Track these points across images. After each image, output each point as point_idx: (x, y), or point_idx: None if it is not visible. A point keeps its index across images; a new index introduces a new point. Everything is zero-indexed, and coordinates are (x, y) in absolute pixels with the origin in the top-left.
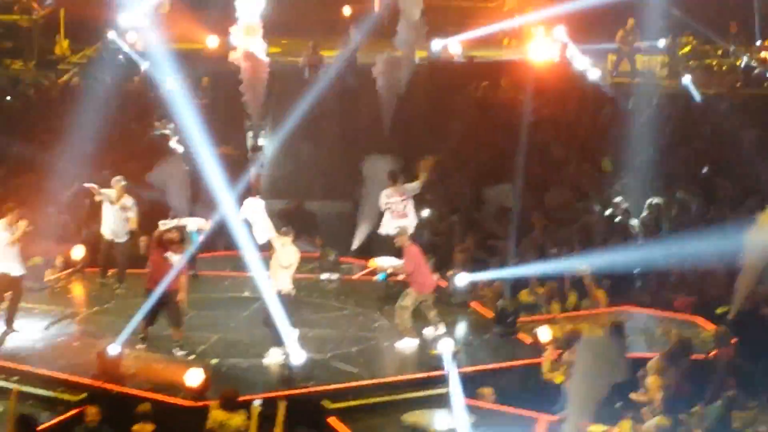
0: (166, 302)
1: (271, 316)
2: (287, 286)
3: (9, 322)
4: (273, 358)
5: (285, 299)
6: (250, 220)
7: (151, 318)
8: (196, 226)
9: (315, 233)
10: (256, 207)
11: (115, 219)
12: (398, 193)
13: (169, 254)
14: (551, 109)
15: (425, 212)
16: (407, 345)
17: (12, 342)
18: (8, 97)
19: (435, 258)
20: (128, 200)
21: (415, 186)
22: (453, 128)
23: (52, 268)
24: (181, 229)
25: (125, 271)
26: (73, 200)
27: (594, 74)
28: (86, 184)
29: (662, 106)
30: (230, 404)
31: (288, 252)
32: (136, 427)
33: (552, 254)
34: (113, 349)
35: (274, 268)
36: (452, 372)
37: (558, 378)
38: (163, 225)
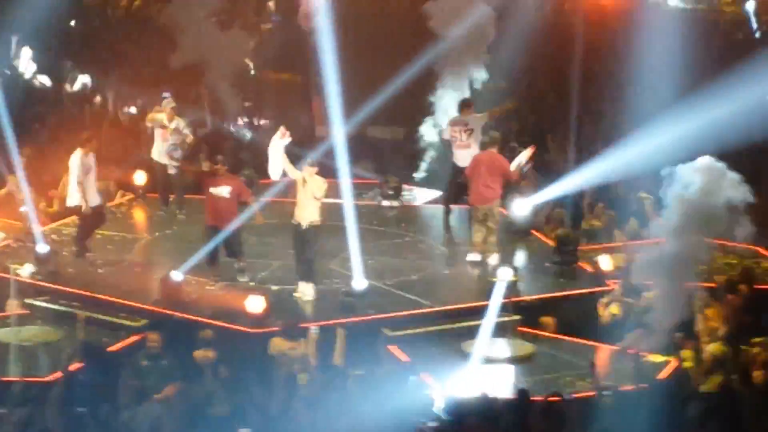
0: (220, 235)
1: (307, 249)
2: (318, 218)
3: (82, 247)
4: (305, 292)
5: (316, 231)
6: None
7: (211, 255)
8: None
9: (376, 159)
10: (276, 144)
11: (167, 142)
12: (461, 124)
13: (213, 189)
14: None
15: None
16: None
17: (74, 267)
18: (72, 22)
19: None
20: (180, 122)
21: (481, 116)
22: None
23: (114, 193)
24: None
25: (184, 196)
26: (133, 124)
27: None
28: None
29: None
30: (291, 332)
31: (318, 183)
32: (197, 352)
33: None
34: (175, 276)
35: (304, 200)
36: (512, 301)
37: (613, 310)
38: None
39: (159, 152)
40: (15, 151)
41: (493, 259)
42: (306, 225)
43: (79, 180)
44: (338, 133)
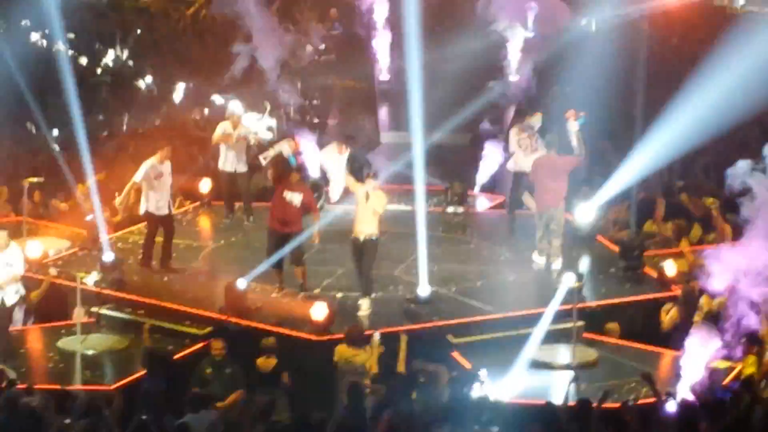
0: (288, 242)
1: (365, 263)
2: (377, 231)
3: (167, 259)
4: (362, 306)
5: (375, 244)
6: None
7: (278, 262)
8: (289, 148)
9: (441, 166)
10: (335, 159)
11: (233, 151)
12: (525, 131)
13: (287, 193)
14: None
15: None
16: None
17: (139, 276)
18: (138, 30)
19: None
20: (244, 130)
21: (536, 119)
22: None
23: (180, 201)
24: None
25: (251, 204)
26: (200, 133)
27: None
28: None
29: None
30: (355, 340)
31: (380, 197)
32: (260, 360)
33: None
34: (240, 283)
35: (365, 214)
36: (577, 307)
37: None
38: (263, 158)
39: (224, 160)
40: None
41: (557, 263)
42: (364, 238)
43: (142, 187)
44: (413, 140)
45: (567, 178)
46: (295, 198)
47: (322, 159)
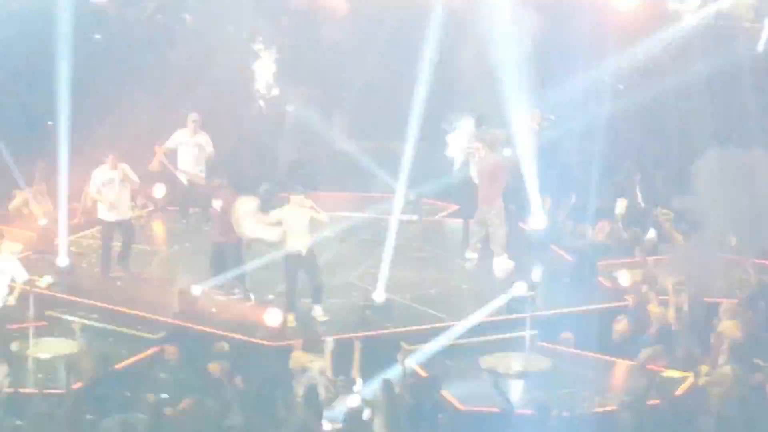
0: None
1: (318, 271)
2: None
3: (124, 263)
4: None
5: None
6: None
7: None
8: None
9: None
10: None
11: (191, 157)
12: (480, 141)
13: (214, 202)
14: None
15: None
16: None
17: (92, 280)
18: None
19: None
20: (203, 137)
21: (494, 133)
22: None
23: (133, 206)
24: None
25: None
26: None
27: None
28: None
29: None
30: (311, 346)
31: (311, 203)
32: (212, 365)
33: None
34: (194, 289)
35: (304, 226)
36: (530, 315)
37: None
38: None
39: (184, 165)
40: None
41: (501, 258)
42: (307, 250)
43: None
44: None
45: (501, 174)
46: (217, 205)
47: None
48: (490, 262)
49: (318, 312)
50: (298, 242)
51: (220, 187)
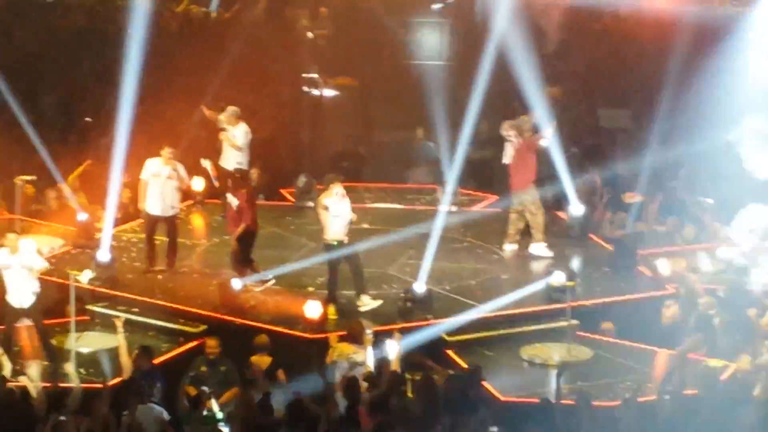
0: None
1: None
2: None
3: (170, 259)
4: (368, 304)
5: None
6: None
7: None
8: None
9: (434, 164)
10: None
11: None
12: (514, 128)
13: (229, 196)
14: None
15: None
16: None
17: (134, 273)
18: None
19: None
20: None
21: (525, 118)
22: (576, 56)
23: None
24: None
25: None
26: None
27: None
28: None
29: None
30: (357, 338)
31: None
32: (254, 358)
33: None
34: (235, 282)
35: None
36: (571, 305)
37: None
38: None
39: (225, 158)
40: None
41: (538, 243)
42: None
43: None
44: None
45: (531, 159)
46: (233, 201)
47: None
48: (528, 252)
49: (365, 300)
50: (341, 231)
51: (239, 181)
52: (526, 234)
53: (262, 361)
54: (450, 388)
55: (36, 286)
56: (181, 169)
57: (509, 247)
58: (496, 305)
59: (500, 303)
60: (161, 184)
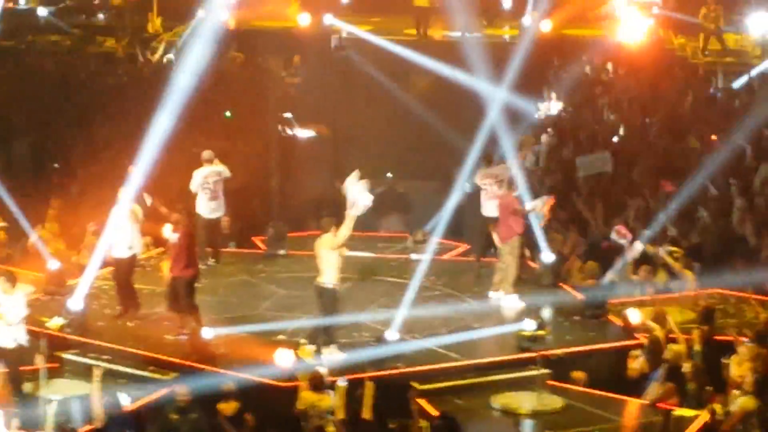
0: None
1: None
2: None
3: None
4: (332, 353)
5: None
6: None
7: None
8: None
9: (406, 213)
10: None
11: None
12: (490, 176)
13: (168, 231)
14: (643, 89)
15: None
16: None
17: (103, 321)
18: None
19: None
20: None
21: (503, 167)
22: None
23: (144, 247)
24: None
25: (220, 249)
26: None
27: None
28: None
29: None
30: (319, 385)
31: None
32: (221, 405)
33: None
34: (205, 332)
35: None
36: (541, 354)
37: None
38: None
39: (202, 209)
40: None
41: (509, 299)
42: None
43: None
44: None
45: (508, 214)
46: (172, 236)
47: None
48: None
49: (333, 348)
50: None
51: (179, 221)
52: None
53: (228, 407)
54: None
55: (19, 334)
56: (138, 211)
57: (495, 295)
58: (466, 353)
59: (471, 351)
60: (125, 227)
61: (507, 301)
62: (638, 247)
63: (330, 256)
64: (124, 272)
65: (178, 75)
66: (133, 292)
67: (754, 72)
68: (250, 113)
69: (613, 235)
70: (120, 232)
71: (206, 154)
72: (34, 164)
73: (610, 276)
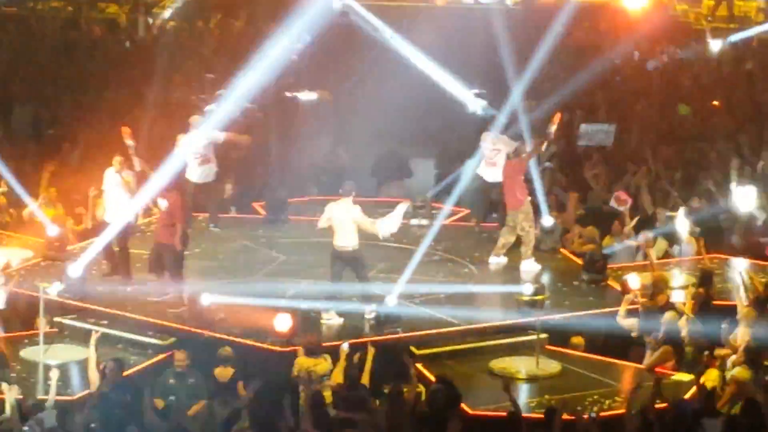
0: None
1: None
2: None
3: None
4: (332, 318)
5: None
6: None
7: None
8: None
9: (408, 179)
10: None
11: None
12: (491, 141)
13: (158, 199)
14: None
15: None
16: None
17: (102, 286)
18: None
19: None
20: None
21: (507, 140)
22: (553, 74)
23: (143, 212)
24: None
25: (217, 213)
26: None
27: None
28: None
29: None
30: (315, 350)
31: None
32: (217, 370)
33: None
34: (204, 298)
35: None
36: (540, 319)
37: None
38: None
39: (191, 173)
40: None
41: (526, 263)
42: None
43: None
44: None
45: (518, 180)
46: (162, 203)
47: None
48: (502, 266)
49: (333, 314)
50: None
51: (168, 188)
52: (512, 248)
53: (225, 372)
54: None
55: None
56: (130, 178)
57: (495, 260)
58: (465, 318)
59: (469, 316)
60: (115, 193)
61: (527, 265)
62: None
63: (353, 222)
64: (118, 238)
65: (178, 41)
66: (127, 259)
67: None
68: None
69: (613, 202)
70: (112, 199)
71: (194, 119)
72: (34, 130)
73: (608, 240)
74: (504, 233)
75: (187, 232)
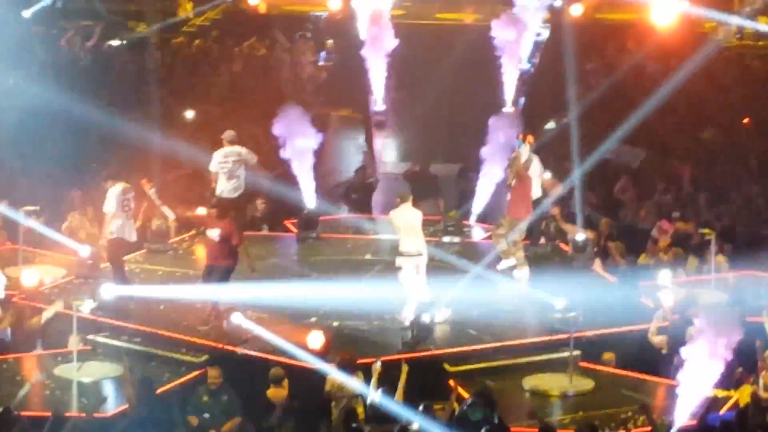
0: (211, 273)
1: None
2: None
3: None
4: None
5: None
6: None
7: None
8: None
9: (438, 196)
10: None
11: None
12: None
13: (207, 231)
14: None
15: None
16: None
17: (136, 303)
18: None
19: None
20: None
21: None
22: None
23: (176, 229)
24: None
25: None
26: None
27: None
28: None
29: None
30: (347, 367)
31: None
32: (270, 391)
33: (674, 218)
34: (235, 318)
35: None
36: (572, 336)
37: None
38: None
39: (222, 189)
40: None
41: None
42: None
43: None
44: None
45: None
46: (213, 234)
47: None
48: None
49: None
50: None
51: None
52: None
53: (278, 393)
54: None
55: None
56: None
57: (504, 264)
58: (498, 335)
59: (502, 332)
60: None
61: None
62: None
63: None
64: (111, 252)
65: (210, 61)
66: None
67: None
68: (281, 98)
69: (655, 232)
70: (113, 217)
71: (228, 134)
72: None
73: (643, 259)
74: (499, 238)
75: (236, 257)
